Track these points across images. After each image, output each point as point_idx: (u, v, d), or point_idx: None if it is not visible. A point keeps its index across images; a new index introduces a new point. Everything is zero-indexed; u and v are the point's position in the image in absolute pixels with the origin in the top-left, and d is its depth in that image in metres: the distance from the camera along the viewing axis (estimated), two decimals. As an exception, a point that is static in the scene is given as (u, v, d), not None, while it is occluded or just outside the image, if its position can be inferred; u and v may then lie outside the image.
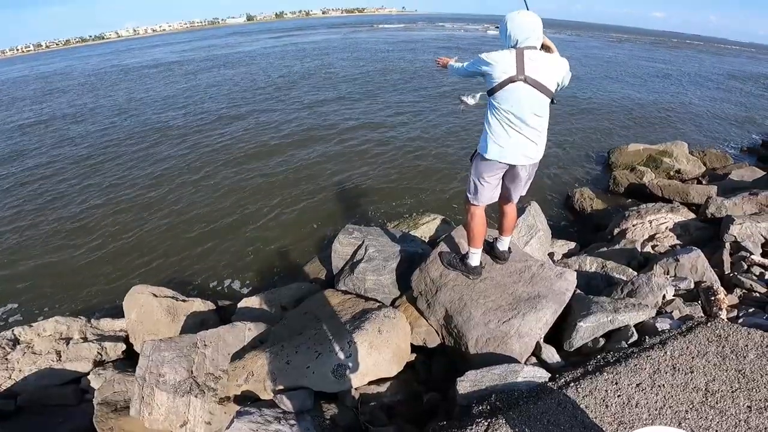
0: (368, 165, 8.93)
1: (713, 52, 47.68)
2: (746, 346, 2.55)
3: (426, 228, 5.38)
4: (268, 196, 7.68)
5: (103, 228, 6.99)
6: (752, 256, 4.15)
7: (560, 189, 8.01)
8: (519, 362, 2.64)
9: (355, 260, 3.81)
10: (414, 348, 3.19)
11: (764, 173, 7.23)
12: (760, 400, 2.21)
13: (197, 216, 7.16)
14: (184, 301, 4.14)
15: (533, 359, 2.79)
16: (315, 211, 7.10)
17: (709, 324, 2.75)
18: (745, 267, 3.98)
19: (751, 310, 3.32)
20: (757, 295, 3.54)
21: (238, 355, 3.04)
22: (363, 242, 3.91)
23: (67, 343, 4.10)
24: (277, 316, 3.73)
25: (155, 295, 4.07)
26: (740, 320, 3.17)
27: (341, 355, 2.76)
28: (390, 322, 3.02)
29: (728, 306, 3.34)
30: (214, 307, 4.25)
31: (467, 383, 2.44)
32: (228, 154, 9.78)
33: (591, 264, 4.16)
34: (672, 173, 8.46)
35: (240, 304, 3.92)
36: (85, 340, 4.15)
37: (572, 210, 7.09)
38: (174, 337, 3.27)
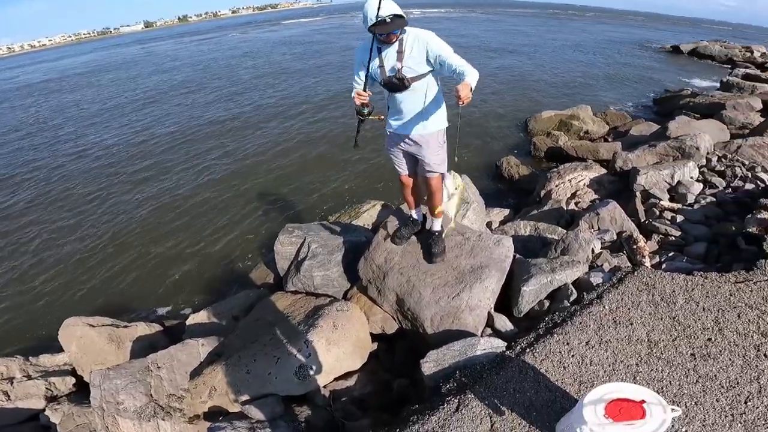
0: (298, 163, 8.37)
1: (604, 21, 50.32)
2: (673, 291, 2.55)
3: (367, 215, 5.16)
4: (198, 210, 6.94)
5: (21, 262, 6.02)
6: (661, 202, 4.30)
7: (488, 160, 8.04)
8: (476, 335, 2.55)
9: (299, 259, 3.56)
10: (374, 337, 3.04)
11: (659, 127, 7.62)
12: (700, 347, 2.21)
13: (123, 238, 6.30)
14: (125, 327, 3.73)
15: (488, 330, 2.71)
16: (251, 218, 6.53)
17: (636, 273, 2.74)
18: (657, 213, 4.10)
19: (671, 254, 3.41)
20: (673, 238, 3.64)
21: (196, 372, 2.81)
22: (305, 239, 3.64)
23: (11, 383, 3.66)
24: (229, 327, 3.47)
25: (92, 325, 3.64)
26: (663, 266, 3.22)
27: (301, 356, 2.59)
28: (344, 315, 2.86)
29: (650, 253, 3.39)
30: (162, 329, 3.89)
31: (431, 364, 2.33)
32: (146, 171, 8.69)
33: (525, 228, 4.12)
34: (582, 134, 8.78)
35: (189, 322, 3.62)
36: (29, 378, 3.71)
37: (502, 178, 7.13)
38: (122, 364, 2.97)
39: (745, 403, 1.93)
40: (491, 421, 1.89)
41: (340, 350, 2.68)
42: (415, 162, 2.71)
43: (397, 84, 2.32)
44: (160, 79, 19.09)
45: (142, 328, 3.72)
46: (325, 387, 2.70)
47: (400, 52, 2.25)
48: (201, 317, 3.64)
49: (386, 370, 2.92)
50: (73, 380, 3.68)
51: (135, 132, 11.07)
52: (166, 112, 12.98)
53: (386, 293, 2.94)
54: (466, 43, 23.71)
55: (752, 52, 19.73)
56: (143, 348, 3.50)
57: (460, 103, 2.02)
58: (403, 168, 2.76)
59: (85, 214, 7.10)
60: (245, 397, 2.56)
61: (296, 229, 3.97)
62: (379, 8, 2.04)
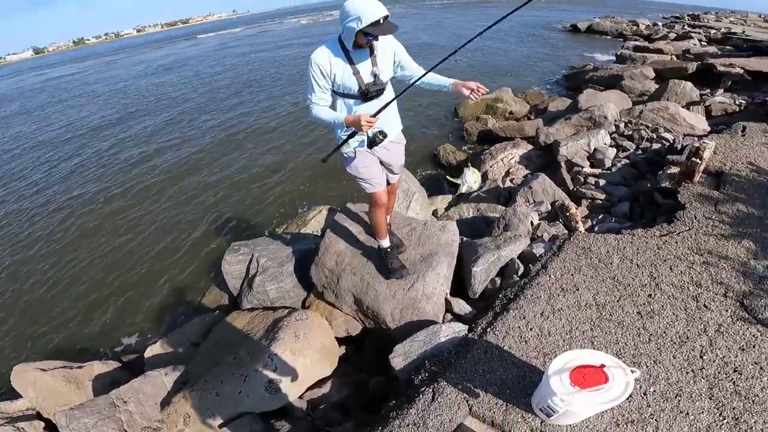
0: (237, 181, 7.88)
1: (508, 6, 52.52)
2: (608, 252, 2.67)
3: (315, 222, 5.02)
4: (137, 241, 6.34)
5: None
6: (584, 169, 4.55)
7: (425, 149, 8.12)
8: (437, 322, 2.53)
9: (250, 275, 3.42)
10: (341, 341, 2.98)
11: (571, 101, 8.10)
12: (643, 305, 2.32)
13: (65, 278, 5.71)
14: (80, 367, 3.44)
15: (448, 316, 2.71)
16: (195, 242, 6.07)
17: (572, 239, 2.86)
18: (583, 180, 4.33)
19: (600, 217, 3.61)
20: (600, 201, 3.86)
21: (166, 402, 2.67)
22: (252, 255, 3.48)
23: (-22, 432, 3.29)
24: (190, 354, 3.29)
25: (43, 370, 3.34)
26: (595, 228, 3.39)
27: (268, 371, 2.51)
28: (304, 323, 2.79)
29: (582, 218, 3.56)
30: (120, 365, 3.64)
31: (399, 358, 2.30)
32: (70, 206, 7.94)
33: (468, 210, 4.19)
34: (507, 115, 9.13)
35: (147, 355, 3.41)
36: (-4, 424, 3.36)
37: (441, 165, 7.23)
38: (86, 403, 2.74)
39: (701, 357, 2.02)
40: (468, 405, 1.88)
41: (306, 359, 2.60)
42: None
43: (379, 90, 2.15)
44: (84, 106, 17.36)
45: (99, 367, 3.46)
46: (301, 398, 2.63)
47: (374, 56, 2.09)
48: (159, 348, 3.44)
49: (360, 371, 2.87)
50: (42, 423, 3.31)
51: (69, 164, 9.98)
52: (95, 131, 11.89)
53: (343, 295, 2.87)
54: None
55: (638, 26, 21.59)
56: (105, 385, 3.27)
57: (476, 96, 2.09)
58: (381, 183, 2.47)
59: (14, 259, 6.30)
60: (220, 420, 2.46)
61: (242, 247, 3.81)
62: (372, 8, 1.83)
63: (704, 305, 2.30)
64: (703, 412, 1.78)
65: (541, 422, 1.77)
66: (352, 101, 2.16)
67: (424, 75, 2.15)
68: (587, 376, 1.61)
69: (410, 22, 35.67)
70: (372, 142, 2.18)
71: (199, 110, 13.41)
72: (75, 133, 12.64)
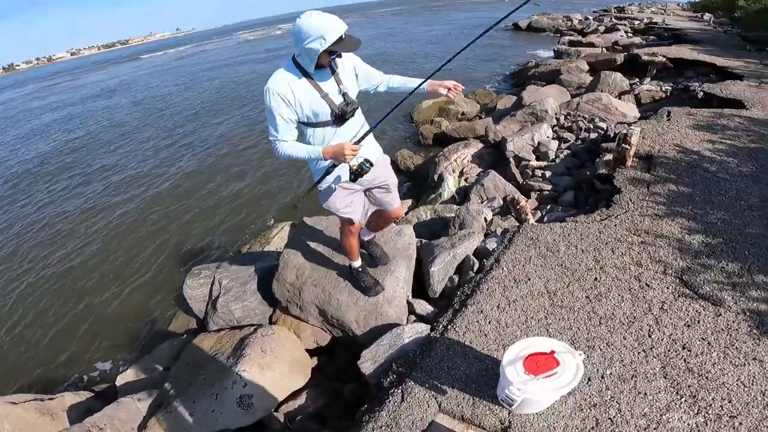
0: (197, 206, 7.61)
1: (457, 9, 54.33)
2: (555, 240, 2.79)
3: (278, 239, 4.98)
4: (103, 270, 6.07)
5: None
6: (531, 163, 4.73)
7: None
8: (401, 325, 2.57)
9: (213, 297, 3.38)
10: (312, 352, 3.01)
11: (516, 98, 8.42)
12: (590, 289, 2.42)
13: (23, 308, 5.45)
14: (51, 399, 3.35)
15: (412, 317, 2.76)
16: (160, 269, 5.84)
17: (521, 230, 2.96)
18: (530, 173, 4.50)
19: (548, 207, 3.76)
20: (547, 192, 4.03)
21: (142, 426, 2.63)
22: (214, 278, 3.43)
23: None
24: (162, 378, 3.27)
25: (13, 403, 3.22)
26: (545, 219, 3.53)
27: (238, 388, 2.50)
28: (270, 338, 2.81)
29: (531, 210, 3.70)
30: (92, 394, 3.58)
31: (368, 363, 2.32)
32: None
33: (425, 212, 4.26)
34: (459, 116, 9.36)
35: (118, 383, 3.37)
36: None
37: (400, 171, 7.29)
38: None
39: (650, 336, 2.10)
40: (437, 402, 1.91)
41: (275, 372, 2.62)
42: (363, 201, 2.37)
43: (354, 109, 1.96)
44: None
45: (71, 397, 3.35)
46: (278, 411, 2.64)
47: (336, 75, 1.90)
48: (130, 375, 3.40)
49: (334, 379, 2.89)
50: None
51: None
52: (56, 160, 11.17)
53: (307, 308, 2.89)
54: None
55: (572, 21, 22.77)
56: (80, 415, 3.17)
57: (454, 94, 2.07)
58: (357, 213, 2.30)
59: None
60: None
61: (203, 270, 3.77)
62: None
63: (646, 284, 2.43)
64: (660, 392, 1.84)
65: (508, 413, 1.81)
66: (326, 129, 1.94)
67: (421, 83, 2.08)
68: (539, 363, 1.67)
69: (364, 31, 36.03)
70: (357, 174, 1.93)
71: (154, 133, 12.95)
72: (32, 159, 11.86)
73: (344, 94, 1.92)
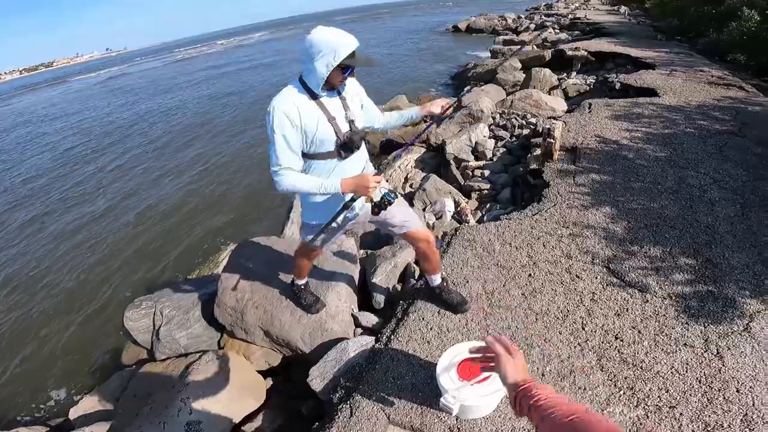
0: (139, 232, 7.29)
1: (398, 14, 55.16)
2: (490, 240, 2.84)
3: (227, 263, 4.75)
4: (50, 303, 5.76)
5: None
6: (470, 163, 4.85)
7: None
8: (346, 338, 2.55)
9: (155, 327, 3.29)
10: (266, 373, 2.95)
11: (456, 99, 8.61)
12: (525, 285, 2.48)
13: None
14: None
15: (359, 330, 2.73)
16: (107, 301, 5.57)
17: (458, 233, 3.01)
18: (470, 174, 4.60)
19: (488, 206, 3.85)
20: (486, 191, 4.13)
21: None
22: (155, 308, 3.36)
23: None
24: (114, 408, 3.21)
25: None
26: (485, 218, 3.60)
27: (185, 415, 2.42)
28: (214, 363, 2.75)
29: (472, 210, 3.77)
30: (47, 429, 3.53)
31: (317, 380, 2.30)
32: None
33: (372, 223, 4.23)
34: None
35: (71, 416, 3.28)
36: None
37: (347, 181, 7.24)
38: None
39: (584, 329, 2.15)
40: (386, 414, 1.90)
41: (223, 397, 2.56)
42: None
43: (362, 139, 1.82)
44: None
45: None
46: None
47: (343, 99, 1.76)
48: (84, 407, 3.30)
49: (292, 398, 2.81)
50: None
51: None
52: None
53: (251, 330, 2.83)
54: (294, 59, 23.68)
55: (506, 20, 23.81)
56: None
57: (448, 112, 2.02)
58: (334, 246, 2.21)
59: None
60: None
61: (143, 301, 3.64)
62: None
63: (576, 276, 2.51)
64: (599, 386, 1.87)
65: (456, 419, 1.81)
66: (329, 162, 1.77)
67: (413, 114, 2.09)
68: (472, 369, 1.66)
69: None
70: (381, 207, 1.77)
71: (91, 157, 12.23)
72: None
73: (351, 122, 1.76)
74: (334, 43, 1.52)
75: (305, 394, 2.67)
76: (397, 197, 1.82)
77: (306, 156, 1.75)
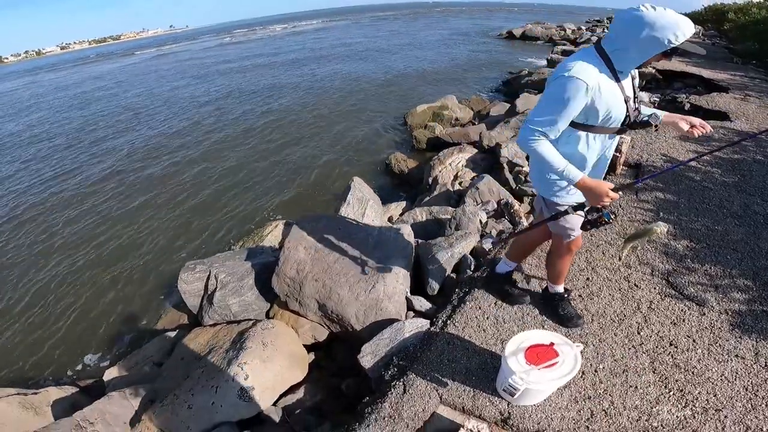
0: (188, 201, 7.65)
1: (452, 16, 54.91)
2: (548, 243, 2.87)
3: (272, 237, 5.01)
4: (80, 265, 6.09)
5: None
6: (524, 168, 4.87)
7: (377, 158, 8.31)
8: (399, 320, 2.64)
9: (209, 292, 3.38)
10: (309, 348, 3.04)
11: (510, 105, 8.62)
12: (583, 287, 2.56)
13: (4, 300, 5.42)
14: (34, 393, 3.29)
15: (411, 314, 2.82)
16: (146, 266, 5.85)
17: (516, 232, 3.06)
18: (523, 179, 4.63)
19: (540, 211, 3.87)
20: (538, 197, 4.15)
21: (135, 420, 2.63)
22: (210, 272, 3.46)
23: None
24: (153, 372, 3.27)
25: None
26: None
27: (240, 380, 2.54)
28: (270, 332, 2.85)
29: (525, 213, 3.81)
30: (77, 389, 3.49)
31: (368, 357, 2.37)
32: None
33: (421, 214, 4.36)
34: (453, 122, 9.52)
35: (106, 378, 3.34)
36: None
37: (393, 174, 7.41)
38: (49, 425, 2.63)
39: (639, 333, 2.22)
40: (438, 394, 1.98)
41: (276, 365, 2.66)
42: None
43: (640, 122, 1.68)
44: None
45: (56, 392, 3.29)
46: (276, 405, 2.67)
47: (634, 81, 1.66)
48: (118, 371, 3.36)
49: (332, 375, 2.92)
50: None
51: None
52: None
53: (307, 303, 2.93)
54: (351, 51, 24.15)
55: (565, 30, 23.26)
56: (65, 410, 3.14)
57: (700, 132, 1.74)
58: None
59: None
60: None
61: (198, 265, 3.74)
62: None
63: (635, 284, 2.56)
64: (649, 386, 1.96)
65: (508, 404, 1.89)
66: (605, 137, 1.68)
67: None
68: (540, 354, 1.76)
69: (364, 31, 36.12)
70: (594, 224, 1.71)
71: (155, 128, 12.85)
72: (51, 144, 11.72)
73: (638, 102, 1.67)
74: (678, 23, 1.38)
75: (345, 373, 2.82)
76: (614, 218, 1.72)
77: (582, 127, 1.63)
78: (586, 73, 1.48)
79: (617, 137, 1.74)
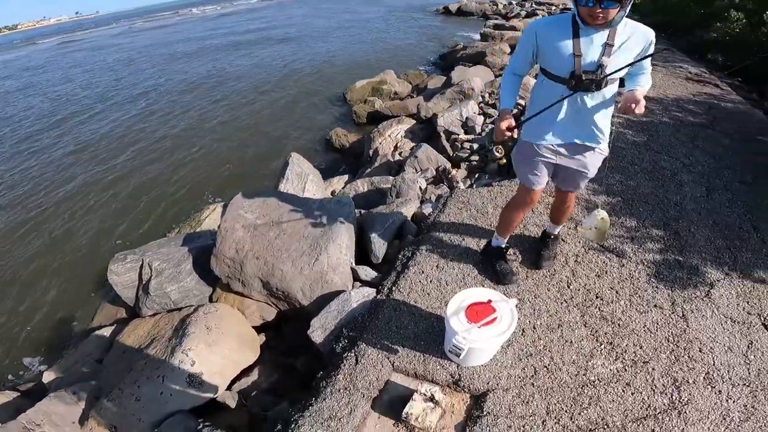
0: (115, 190, 7.03)
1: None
2: (483, 203, 3.00)
3: (210, 220, 4.79)
4: (8, 266, 5.47)
5: None
6: (460, 136, 4.98)
7: (318, 136, 8.12)
8: (346, 291, 2.61)
9: (144, 281, 3.17)
10: (259, 329, 2.96)
11: (446, 78, 8.70)
12: (515, 246, 2.59)
13: None
14: None
15: (357, 284, 2.81)
16: (74, 260, 5.38)
17: (453, 195, 3.14)
18: (459, 146, 4.75)
19: (476, 176, 4.00)
20: (475, 163, 4.28)
21: (84, 418, 2.47)
22: (143, 261, 3.21)
23: None
24: (95, 369, 3.07)
25: None
26: (474, 186, 3.76)
27: (186, 367, 2.42)
28: (214, 315, 2.73)
29: (462, 178, 3.92)
30: (18, 394, 3.29)
31: (318, 331, 2.33)
32: None
33: (363, 185, 4.34)
34: (392, 96, 9.49)
35: (46, 380, 3.14)
36: None
37: (335, 149, 7.29)
38: None
39: (568, 287, 2.30)
40: (390, 362, 1.98)
41: (224, 348, 2.56)
42: (554, 174, 2.07)
43: (591, 83, 1.66)
44: None
45: None
46: (231, 389, 2.59)
47: (609, 45, 1.61)
48: (57, 371, 3.15)
49: (285, 355, 2.86)
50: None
51: None
52: None
53: (250, 282, 2.82)
54: (289, 32, 22.81)
55: (497, 5, 23.71)
56: (9, 415, 2.90)
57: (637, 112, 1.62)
58: (540, 181, 2.03)
59: None
60: (149, 424, 2.34)
61: (128, 255, 3.48)
62: None
63: (562, 239, 2.68)
64: (583, 340, 2.03)
65: (457, 366, 1.92)
66: (555, 85, 1.75)
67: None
68: (479, 312, 1.78)
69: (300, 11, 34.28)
70: (486, 153, 1.91)
71: (81, 114, 11.55)
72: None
73: (599, 67, 1.62)
74: None
75: (298, 351, 2.76)
76: (499, 155, 1.85)
77: (542, 70, 1.76)
78: (539, 22, 1.72)
79: (579, 96, 1.71)
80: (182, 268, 3.17)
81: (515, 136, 1.74)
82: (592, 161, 1.93)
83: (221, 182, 6.68)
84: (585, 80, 1.65)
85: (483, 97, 6.11)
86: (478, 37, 15.68)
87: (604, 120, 1.81)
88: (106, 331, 3.48)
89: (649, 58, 1.68)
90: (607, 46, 1.61)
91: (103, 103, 12.29)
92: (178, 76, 14.94)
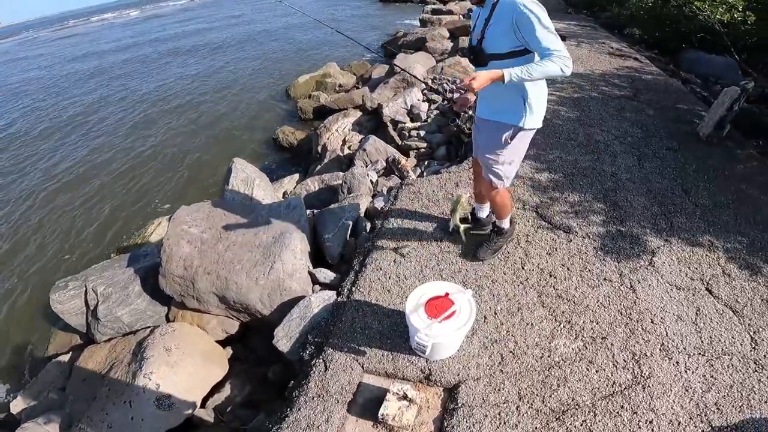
0: (49, 214, 6.36)
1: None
2: (433, 191, 2.98)
3: (156, 235, 4.49)
4: None
5: None
6: (406, 125, 4.95)
7: (264, 137, 7.77)
8: (306, 296, 2.52)
9: (91, 308, 2.97)
10: (224, 342, 2.86)
11: (389, 66, 8.62)
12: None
13: None
14: None
15: (317, 287, 2.72)
16: (21, 289, 4.88)
17: (403, 186, 3.11)
18: (407, 134, 4.71)
19: (426, 163, 4.00)
20: (423, 150, 4.27)
21: None
22: (86, 287, 2.99)
23: None
24: (61, 398, 2.91)
25: None
26: (424, 173, 3.75)
27: (152, 390, 2.32)
28: (172, 335, 2.63)
29: (412, 167, 3.90)
30: None
31: (283, 340, 2.26)
32: None
33: (313, 184, 4.21)
34: (337, 88, 9.27)
35: (14, 410, 3.00)
36: None
37: (283, 149, 7.02)
38: None
39: (523, 268, 2.31)
40: (360, 364, 1.93)
41: (188, 368, 2.46)
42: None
43: (475, 56, 1.84)
44: None
45: None
46: (204, 407, 2.50)
47: (486, 20, 1.75)
48: (24, 401, 2.98)
49: (256, 365, 2.78)
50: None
51: None
52: None
53: (205, 298, 2.67)
54: (225, 34, 21.52)
55: (434, -10, 23.76)
56: None
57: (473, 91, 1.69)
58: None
59: None
60: None
61: (70, 282, 3.22)
62: None
63: (510, 220, 2.74)
64: (543, 321, 2.03)
65: (427, 361, 1.89)
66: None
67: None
68: (438, 307, 1.76)
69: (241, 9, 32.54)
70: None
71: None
72: None
73: (477, 41, 1.82)
74: None
75: (268, 360, 2.68)
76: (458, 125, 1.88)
77: None
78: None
79: (490, 73, 1.66)
80: (130, 290, 3.00)
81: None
82: (493, 136, 2.02)
83: (166, 194, 6.26)
84: (473, 55, 1.85)
85: (426, 83, 6.06)
86: (417, 23, 15.69)
87: (505, 96, 1.88)
88: (64, 358, 3.30)
89: (543, 40, 1.59)
90: (486, 22, 1.75)
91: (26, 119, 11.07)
92: (114, 91, 13.75)
